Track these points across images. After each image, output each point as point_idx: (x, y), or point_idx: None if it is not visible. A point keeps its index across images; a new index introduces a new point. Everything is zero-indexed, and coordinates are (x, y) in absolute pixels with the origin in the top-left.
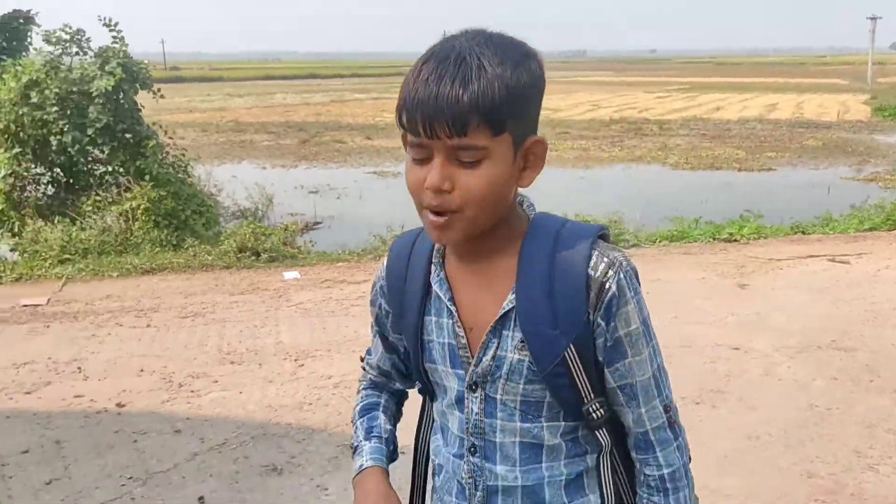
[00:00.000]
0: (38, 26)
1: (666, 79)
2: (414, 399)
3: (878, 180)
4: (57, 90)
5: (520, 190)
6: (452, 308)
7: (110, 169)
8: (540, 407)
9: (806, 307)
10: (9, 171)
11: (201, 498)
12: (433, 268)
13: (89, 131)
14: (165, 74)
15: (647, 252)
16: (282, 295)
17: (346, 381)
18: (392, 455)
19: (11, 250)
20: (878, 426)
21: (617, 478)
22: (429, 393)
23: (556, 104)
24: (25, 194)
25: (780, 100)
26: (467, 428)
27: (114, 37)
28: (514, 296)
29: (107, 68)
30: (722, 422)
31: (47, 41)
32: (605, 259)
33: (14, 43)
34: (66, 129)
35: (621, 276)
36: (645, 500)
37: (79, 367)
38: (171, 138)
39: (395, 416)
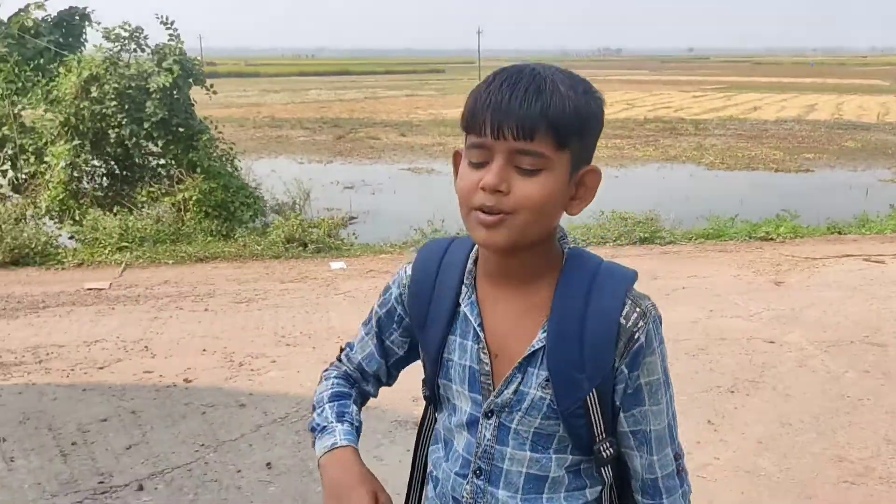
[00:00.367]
0: (99, 23)
1: (702, 78)
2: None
3: None
4: (116, 85)
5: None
6: (482, 334)
7: (163, 161)
8: (551, 439)
9: (840, 304)
10: (68, 163)
11: (269, 464)
12: (464, 289)
13: (146, 125)
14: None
15: (682, 249)
16: (329, 284)
17: None
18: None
19: (70, 237)
20: None
21: None
22: (434, 403)
23: None
24: (83, 185)
25: (820, 100)
26: (476, 452)
27: (170, 34)
28: (544, 334)
29: (164, 65)
30: (756, 409)
31: (107, 38)
32: (638, 309)
33: (70, 39)
34: (123, 123)
35: (650, 326)
36: None
37: (146, 346)
38: (220, 133)
39: (360, 415)
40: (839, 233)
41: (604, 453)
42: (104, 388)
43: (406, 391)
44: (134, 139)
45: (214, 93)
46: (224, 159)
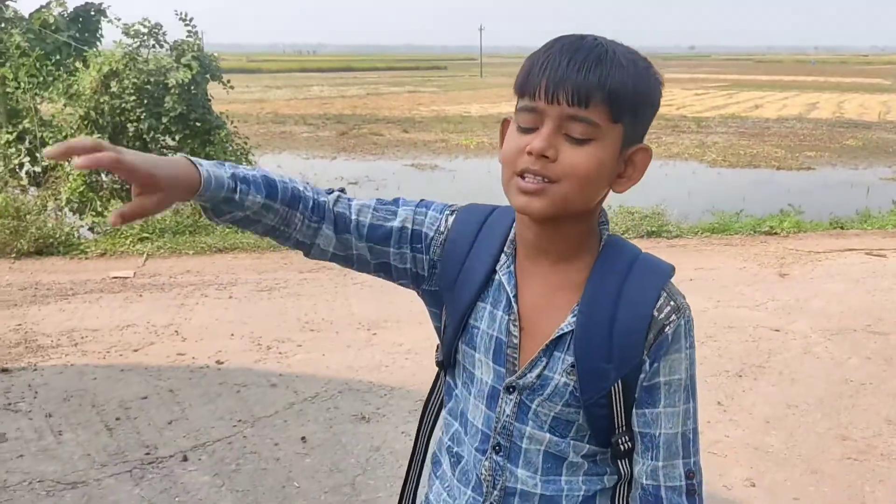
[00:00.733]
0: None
1: (704, 76)
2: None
3: None
4: (135, 80)
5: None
6: (515, 306)
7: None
8: (570, 426)
9: (843, 295)
10: None
11: (304, 438)
12: (504, 257)
13: (164, 119)
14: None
15: (689, 243)
16: (346, 273)
17: (417, 349)
18: (225, 184)
19: (90, 229)
20: None
21: None
22: (448, 369)
23: None
24: (101, 177)
25: (821, 99)
26: (496, 427)
27: (188, 31)
28: (574, 318)
29: (182, 61)
30: (763, 392)
31: (126, 34)
32: (672, 303)
33: (86, 35)
34: (142, 117)
35: (682, 322)
36: None
37: (176, 331)
38: (235, 127)
39: (279, 194)
40: (841, 228)
41: (622, 446)
42: (140, 369)
43: (433, 370)
44: (152, 133)
45: (231, 87)
46: (239, 154)
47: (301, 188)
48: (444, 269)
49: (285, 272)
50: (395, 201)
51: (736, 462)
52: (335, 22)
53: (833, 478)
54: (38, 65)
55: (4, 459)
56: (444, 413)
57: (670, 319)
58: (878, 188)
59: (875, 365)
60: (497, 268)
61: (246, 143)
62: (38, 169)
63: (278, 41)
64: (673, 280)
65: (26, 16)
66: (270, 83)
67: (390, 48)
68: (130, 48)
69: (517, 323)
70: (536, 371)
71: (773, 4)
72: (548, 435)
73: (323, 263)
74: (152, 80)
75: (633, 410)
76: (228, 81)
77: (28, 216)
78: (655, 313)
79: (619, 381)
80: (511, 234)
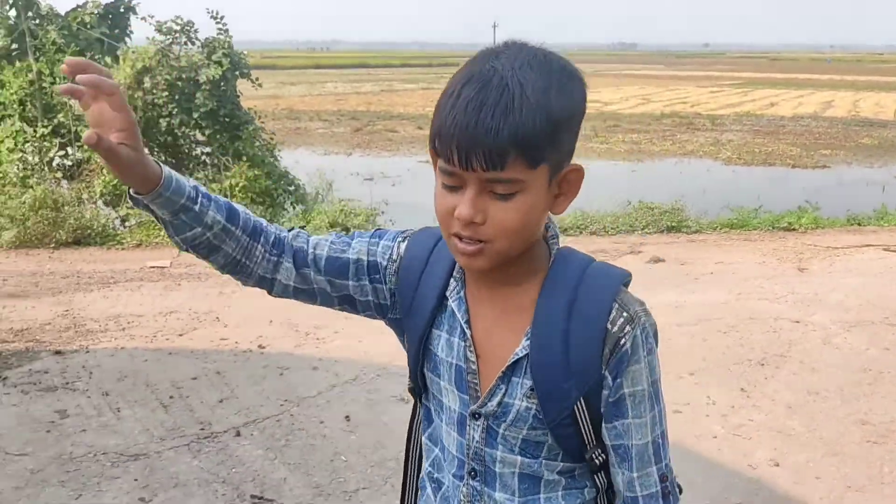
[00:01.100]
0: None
1: (718, 73)
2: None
3: None
4: (167, 77)
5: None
6: (468, 332)
7: (209, 150)
8: (540, 447)
9: (861, 289)
10: None
11: (347, 417)
12: (453, 282)
13: (195, 115)
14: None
15: (708, 238)
16: None
17: None
18: (186, 191)
19: (124, 221)
20: None
21: None
22: (420, 395)
23: (607, 97)
24: None
25: (837, 97)
26: (467, 453)
27: (219, 29)
28: (528, 342)
29: (213, 58)
30: (785, 380)
31: (159, 31)
32: (625, 314)
33: (116, 31)
34: (174, 113)
35: (637, 332)
36: None
37: (217, 318)
38: (262, 123)
39: (240, 221)
40: (859, 224)
41: (596, 460)
42: (187, 352)
43: None
44: (183, 128)
45: (260, 85)
46: (266, 149)
47: (263, 223)
48: (401, 297)
49: None
50: (351, 235)
51: (759, 444)
52: (349, 19)
53: (853, 459)
54: None
55: (68, 434)
56: (424, 439)
57: (625, 332)
58: (894, 186)
59: (893, 355)
60: (447, 294)
61: (273, 139)
62: (69, 163)
63: (292, 38)
64: (693, 273)
65: (62, 13)
66: (285, 79)
67: (404, 45)
68: (163, 45)
69: (473, 349)
70: (497, 399)
71: (789, 2)
72: (519, 457)
73: None
74: (184, 76)
75: (603, 425)
76: (257, 79)
77: (65, 208)
78: (609, 326)
79: (581, 400)
80: None
